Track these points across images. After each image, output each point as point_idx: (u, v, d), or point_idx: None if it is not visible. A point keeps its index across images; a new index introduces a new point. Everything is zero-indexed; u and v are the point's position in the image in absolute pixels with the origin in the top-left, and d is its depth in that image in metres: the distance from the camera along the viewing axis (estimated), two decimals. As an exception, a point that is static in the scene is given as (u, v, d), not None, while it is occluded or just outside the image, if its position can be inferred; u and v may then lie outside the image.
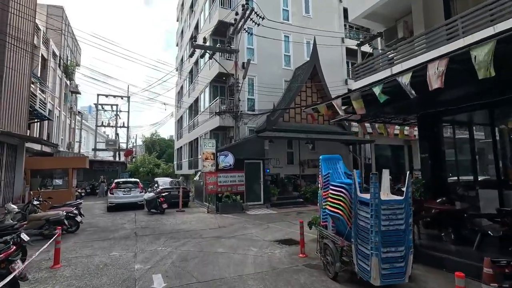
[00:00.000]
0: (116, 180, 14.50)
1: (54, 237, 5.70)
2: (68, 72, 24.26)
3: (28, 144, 15.17)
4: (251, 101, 17.10)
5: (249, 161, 13.70)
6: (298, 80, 16.96)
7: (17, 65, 9.32)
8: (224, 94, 17.41)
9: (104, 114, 31.07)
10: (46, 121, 16.71)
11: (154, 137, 52.01)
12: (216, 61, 15.56)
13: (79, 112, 32.04)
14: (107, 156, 32.47)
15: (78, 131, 31.43)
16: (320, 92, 17.30)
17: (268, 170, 14.70)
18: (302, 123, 16.83)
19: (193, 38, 19.69)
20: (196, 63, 22.17)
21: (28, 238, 4.90)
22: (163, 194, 12.65)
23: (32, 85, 14.11)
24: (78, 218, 8.56)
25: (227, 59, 16.58)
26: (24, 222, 6.77)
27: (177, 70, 32.17)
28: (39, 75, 16.98)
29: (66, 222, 7.91)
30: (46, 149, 18.88)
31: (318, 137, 16.40)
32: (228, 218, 10.92)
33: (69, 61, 24.72)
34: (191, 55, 15.50)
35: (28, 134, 12.39)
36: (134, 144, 46.43)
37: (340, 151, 18.65)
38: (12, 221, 5.97)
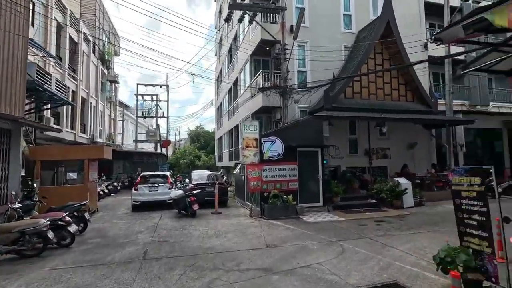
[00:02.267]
0: (142, 174, 12.30)
1: None
2: (105, 59, 23.22)
3: (59, 134, 13.88)
4: (302, 74, 13.59)
5: (303, 150, 10.36)
6: (364, 45, 12.96)
7: (5, 26, 7.21)
8: (268, 68, 14.17)
9: (145, 104, 30.10)
10: (70, 107, 15.28)
11: (198, 129, 51.43)
12: (258, 23, 12.31)
13: (122, 103, 31.66)
14: (149, 147, 31.70)
15: (122, 123, 31.06)
16: (395, 59, 13.07)
17: (326, 162, 11.21)
18: (371, 99, 12.86)
19: None
20: (235, 39, 19.23)
21: None
22: (195, 192, 10.00)
23: (42, 61, 12.51)
24: (72, 228, 6.16)
25: (271, 23, 13.26)
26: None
27: (215, 55, 29.79)
28: (67, 59, 15.61)
29: (49, 234, 5.52)
30: (82, 139, 17.77)
31: (399, 117, 12.26)
32: (278, 228, 7.80)
33: (105, 48, 23.68)
34: (227, 19, 12.52)
35: (36, 120, 10.64)
36: (179, 137, 45.94)
37: (418, 135, 14.28)
38: None
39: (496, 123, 17.24)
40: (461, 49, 15.02)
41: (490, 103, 16.29)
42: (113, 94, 26.36)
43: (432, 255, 5.26)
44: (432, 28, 16.85)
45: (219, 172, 24.28)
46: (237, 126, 17.78)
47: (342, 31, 14.26)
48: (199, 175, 13.67)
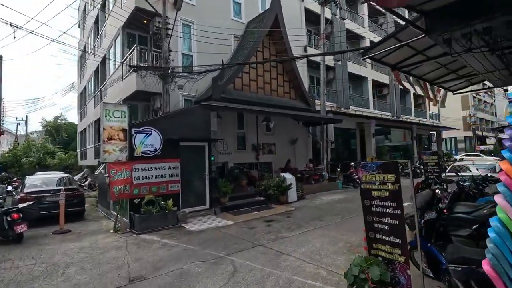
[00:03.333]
0: None
1: None
2: None
3: None
4: (188, 58, 11.87)
5: (188, 144, 8.75)
6: (253, 35, 12.45)
7: None
8: (145, 44, 11.69)
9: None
10: None
11: (58, 121, 40.83)
12: (131, -15, 9.77)
13: None
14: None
15: None
16: (281, 54, 13.19)
17: (213, 158, 9.98)
18: (259, 93, 12.50)
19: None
20: (104, 6, 15.43)
21: None
22: (23, 206, 6.73)
23: None
24: None
25: (149, -11, 10.88)
26: None
27: (79, 27, 23.81)
28: None
29: None
30: None
31: (288, 113, 12.31)
32: (151, 247, 5.93)
33: None
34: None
35: None
36: (25, 130, 34.86)
37: (299, 132, 15.13)
38: None
39: (352, 124, 20.56)
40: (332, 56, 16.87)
41: (350, 107, 19.21)
42: None
43: (327, 260, 4.88)
44: (309, 33, 18.36)
45: (83, 173, 19.40)
46: (104, 115, 14.20)
47: (232, 19, 13.36)
48: (43, 179, 9.82)
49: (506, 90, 6.13)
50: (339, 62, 18.52)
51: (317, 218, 8.05)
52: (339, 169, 15.82)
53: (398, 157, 24.40)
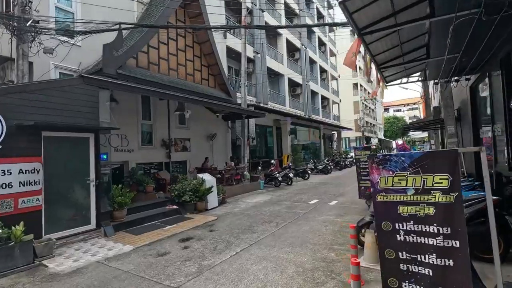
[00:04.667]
0: None
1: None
2: None
3: None
4: (67, 15, 8.46)
5: (58, 135, 5.77)
6: (163, 2, 9.95)
7: None
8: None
9: None
10: None
11: None
12: None
13: None
14: None
15: None
16: (199, 36, 11.10)
17: (105, 157, 7.11)
18: (171, 76, 10.11)
19: None
20: None
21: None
22: None
23: None
24: None
25: None
26: None
27: None
28: None
29: None
30: None
31: (209, 101, 10.26)
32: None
33: None
34: None
35: None
36: None
37: (217, 126, 13.37)
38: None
39: (269, 121, 20.08)
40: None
41: (269, 102, 18.59)
42: None
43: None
44: (228, 19, 16.78)
45: None
46: None
47: (134, -22, 10.46)
48: None
49: (436, 83, 5.87)
50: (259, 55, 17.63)
51: (247, 229, 6.44)
52: (260, 168, 14.79)
53: (309, 155, 25.49)
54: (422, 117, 48.07)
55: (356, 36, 4.49)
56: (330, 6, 34.41)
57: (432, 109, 13.03)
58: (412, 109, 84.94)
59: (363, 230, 4.57)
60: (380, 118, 65.32)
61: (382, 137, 61.06)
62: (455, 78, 6.22)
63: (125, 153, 9.25)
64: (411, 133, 65.60)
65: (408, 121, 75.05)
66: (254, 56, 17.23)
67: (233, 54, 16.21)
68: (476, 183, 5.25)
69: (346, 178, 16.89)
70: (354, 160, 10.25)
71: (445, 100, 7.30)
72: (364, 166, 7.56)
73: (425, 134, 30.52)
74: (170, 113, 10.31)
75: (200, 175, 9.17)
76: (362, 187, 7.72)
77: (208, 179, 9.10)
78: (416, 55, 5.43)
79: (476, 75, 6.06)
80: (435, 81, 6.54)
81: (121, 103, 8.64)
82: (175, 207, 8.16)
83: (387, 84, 7.19)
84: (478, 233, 2.98)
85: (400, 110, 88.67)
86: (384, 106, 74.82)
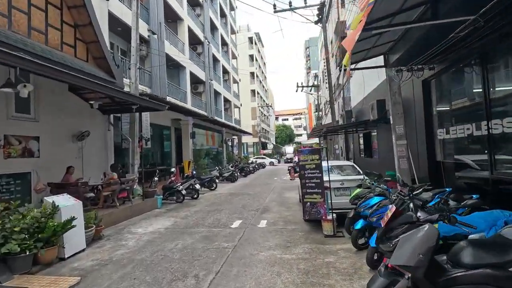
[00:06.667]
0: None
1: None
2: None
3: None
4: None
5: None
6: None
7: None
8: None
9: None
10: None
11: None
12: None
13: None
14: None
15: None
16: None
17: None
18: (8, 32, 5.69)
19: None
20: None
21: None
22: None
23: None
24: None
25: None
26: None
27: None
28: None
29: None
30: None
31: (86, 79, 6.27)
32: None
33: None
34: None
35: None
36: None
37: (91, 121, 9.20)
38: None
39: (167, 120, 16.54)
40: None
41: (167, 96, 15.13)
42: None
43: None
44: None
45: None
46: None
47: None
48: None
49: (399, 71, 4.55)
50: (155, 36, 14.04)
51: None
52: (156, 178, 11.12)
53: (212, 161, 22.95)
54: (308, 126, 53.49)
55: None
56: (232, 8, 33.47)
57: (344, 113, 12.80)
58: (297, 118, 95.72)
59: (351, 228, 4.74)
60: (272, 125, 69.72)
61: (274, 143, 65.14)
62: (419, 66, 5.10)
63: None
64: (299, 139, 72.67)
65: (294, 129, 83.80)
66: (149, 36, 13.56)
67: (118, 28, 12.16)
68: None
69: (256, 186, 15.31)
70: (298, 168, 8.39)
71: (393, 96, 6.29)
72: (311, 175, 5.67)
73: (316, 140, 33.26)
74: (-7, 89, 5.81)
75: (51, 199, 5.25)
76: (308, 203, 5.81)
77: (67, 204, 5.31)
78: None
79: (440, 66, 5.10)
80: (395, 69, 5.32)
81: None
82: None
83: (352, 63, 5.73)
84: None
85: (287, 119, 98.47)
86: (275, 115, 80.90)
